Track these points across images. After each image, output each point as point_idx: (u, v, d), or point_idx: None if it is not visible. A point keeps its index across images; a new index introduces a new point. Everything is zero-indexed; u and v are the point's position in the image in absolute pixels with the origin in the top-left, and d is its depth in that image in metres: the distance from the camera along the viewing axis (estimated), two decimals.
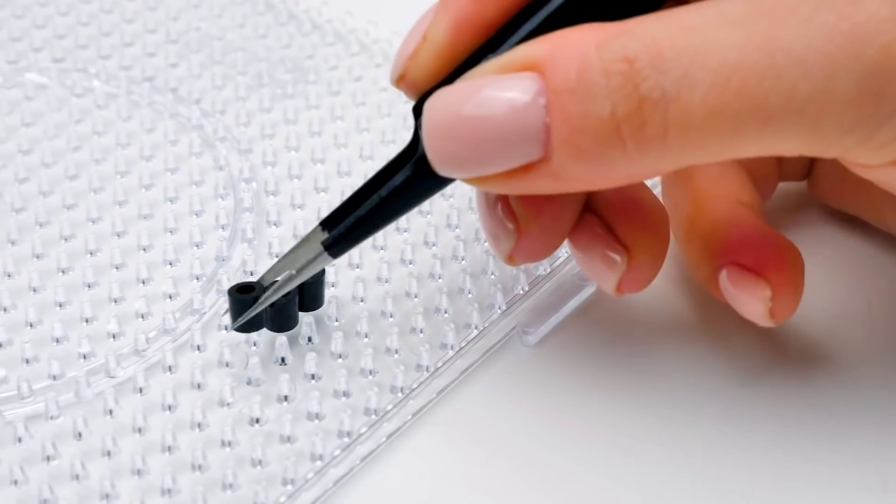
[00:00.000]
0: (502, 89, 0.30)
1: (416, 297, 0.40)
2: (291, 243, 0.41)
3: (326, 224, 0.35)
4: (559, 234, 0.36)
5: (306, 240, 0.35)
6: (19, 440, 0.35)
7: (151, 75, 0.49)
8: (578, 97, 0.29)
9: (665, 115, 0.28)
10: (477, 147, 0.30)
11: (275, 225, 0.42)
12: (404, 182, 0.33)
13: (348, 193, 0.42)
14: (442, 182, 0.33)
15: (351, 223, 0.34)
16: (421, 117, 0.32)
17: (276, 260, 0.39)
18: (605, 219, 0.36)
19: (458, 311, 0.39)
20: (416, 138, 0.33)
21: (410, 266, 0.41)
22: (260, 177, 0.44)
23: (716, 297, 0.37)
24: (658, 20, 0.29)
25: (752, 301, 0.35)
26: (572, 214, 0.35)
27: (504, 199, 0.35)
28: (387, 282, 0.40)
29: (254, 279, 0.39)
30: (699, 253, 0.37)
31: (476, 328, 0.39)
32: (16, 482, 0.34)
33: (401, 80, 0.34)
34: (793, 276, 0.36)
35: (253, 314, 0.36)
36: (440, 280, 0.40)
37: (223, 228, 0.42)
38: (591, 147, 0.29)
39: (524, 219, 0.35)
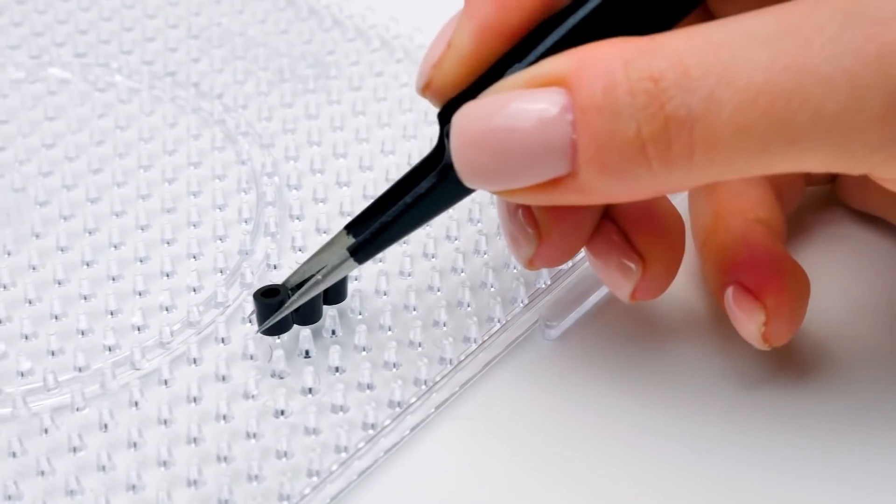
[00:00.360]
0: (530, 103, 0.30)
1: (438, 290, 0.40)
2: (314, 237, 0.41)
3: (352, 228, 0.35)
4: (579, 241, 0.36)
5: (331, 244, 0.36)
6: (46, 431, 0.35)
7: (173, 70, 0.49)
8: (604, 115, 0.29)
9: (691, 135, 0.29)
10: (505, 161, 0.30)
11: (297, 219, 0.43)
12: (429, 190, 0.34)
13: (370, 188, 0.43)
14: (467, 190, 0.33)
15: (376, 229, 0.35)
16: (446, 125, 0.32)
17: (300, 259, 0.40)
18: (622, 227, 0.36)
19: (481, 304, 0.39)
20: (441, 145, 0.33)
21: (433, 260, 0.41)
22: (282, 171, 0.44)
23: (723, 311, 0.37)
24: (684, 37, 0.29)
25: (747, 322, 0.36)
26: (592, 222, 0.36)
27: (525, 206, 0.35)
28: (410, 275, 0.40)
29: (277, 273, 0.40)
30: (711, 267, 0.38)
31: (499, 322, 0.39)
32: (42, 473, 0.34)
33: (426, 89, 0.34)
34: (790, 301, 0.36)
35: (279, 318, 0.36)
36: (463, 274, 0.40)
37: (246, 222, 0.42)
38: (618, 164, 0.29)
39: (545, 225, 0.35)
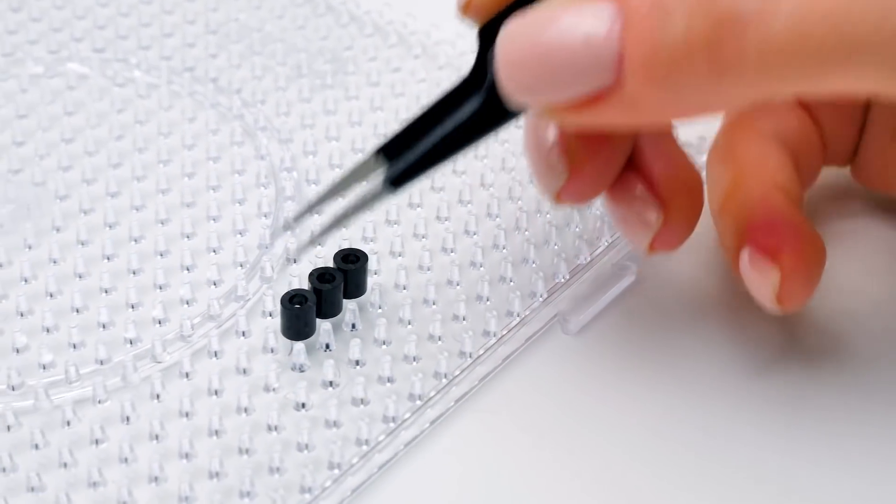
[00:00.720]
0: (578, 15, 0.29)
1: (458, 285, 0.40)
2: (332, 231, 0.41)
3: (384, 153, 0.33)
4: (608, 177, 0.35)
5: (361, 168, 0.34)
6: (68, 423, 0.36)
7: (192, 65, 0.49)
8: (653, 16, 0.28)
9: (743, 38, 0.27)
10: (552, 74, 0.30)
11: (317, 213, 0.42)
12: (475, 112, 0.32)
13: None
14: (511, 114, 0.32)
15: (416, 158, 0.33)
16: (487, 44, 0.32)
17: (320, 253, 0.40)
18: (644, 177, 0.36)
19: (500, 298, 0.40)
20: (481, 67, 0.32)
21: (452, 255, 0.41)
22: (301, 166, 0.45)
23: (737, 276, 0.37)
24: None
25: (761, 283, 0.36)
26: (622, 158, 0.35)
27: (560, 137, 0.35)
28: (429, 270, 0.41)
29: (297, 267, 0.40)
30: (728, 230, 0.38)
31: (518, 316, 0.39)
32: (65, 465, 0.35)
33: (467, 7, 0.33)
34: (806, 263, 0.36)
35: (303, 252, 0.35)
36: (482, 268, 0.41)
37: (265, 216, 0.42)
38: (665, 70, 0.28)
39: (577, 157, 0.34)
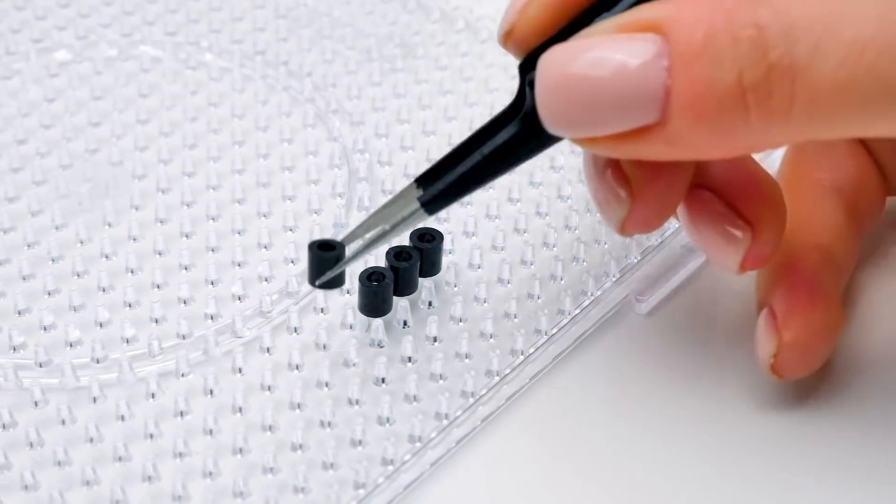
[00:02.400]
0: (622, 49, 0.29)
1: (531, 264, 0.41)
2: None
3: (422, 181, 0.34)
4: (673, 202, 0.35)
5: (399, 196, 0.34)
6: (152, 396, 0.36)
7: (262, 49, 0.50)
8: (704, 61, 0.28)
9: (793, 86, 0.28)
10: (593, 106, 0.29)
11: (390, 194, 0.43)
12: (510, 139, 0.33)
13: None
14: (548, 140, 0.32)
15: (452, 180, 0.33)
16: (527, 75, 0.32)
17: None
18: (721, 194, 0.35)
19: (573, 279, 0.40)
20: (521, 96, 0.32)
21: (525, 235, 0.42)
22: (373, 148, 0.45)
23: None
24: None
25: (761, 348, 0.36)
26: (686, 180, 0.35)
27: (615, 164, 0.34)
28: (503, 249, 0.41)
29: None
30: (759, 285, 0.38)
31: (591, 295, 0.39)
32: (151, 436, 0.35)
33: (508, 37, 0.33)
34: (810, 338, 0.36)
35: (339, 271, 0.35)
36: (554, 248, 0.41)
37: (340, 196, 0.43)
38: (714, 113, 0.28)
39: (637, 184, 0.34)
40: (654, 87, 0.29)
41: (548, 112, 0.30)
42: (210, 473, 0.34)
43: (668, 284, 0.40)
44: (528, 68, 0.32)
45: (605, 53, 0.29)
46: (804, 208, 0.38)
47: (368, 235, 0.34)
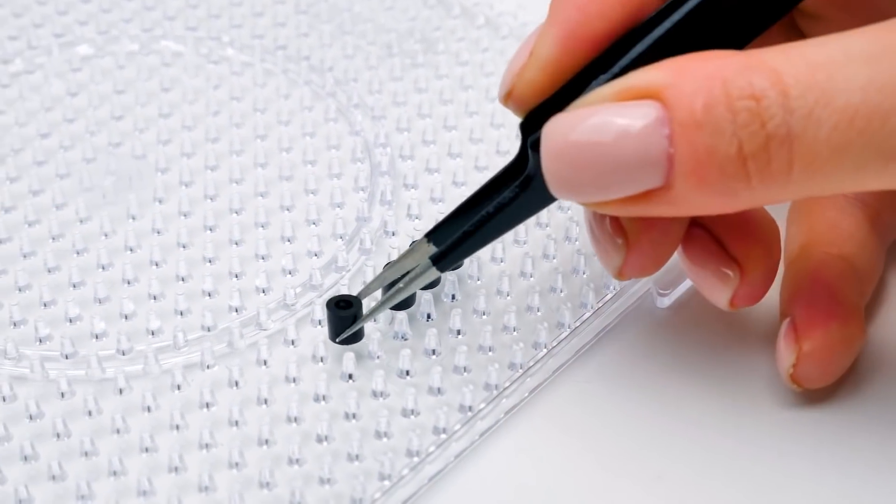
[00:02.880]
0: (625, 116, 0.30)
1: (554, 258, 0.41)
2: (428, 206, 0.42)
3: (432, 236, 0.36)
4: (669, 248, 0.36)
5: (412, 251, 0.36)
6: (178, 388, 0.37)
7: (284, 44, 0.50)
8: (705, 132, 0.29)
9: (790, 152, 0.29)
10: (598, 171, 0.30)
11: (413, 188, 0.43)
12: (511, 200, 0.34)
13: (482, 159, 0.44)
14: (549, 199, 0.33)
15: (457, 239, 0.35)
16: (529, 135, 0.33)
17: (416, 226, 0.41)
18: (716, 234, 0.36)
19: (595, 272, 0.40)
20: (523, 155, 0.34)
21: (547, 229, 0.42)
22: (394, 142, 0.45)
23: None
24: (781, 55, 0.29)
25: (781, 358, 0.36)
26: (681, 229, 0.36)
27: (613, 216, 0.35)
28: (525, 243, 0.41)
29: (395, 240, 0.41)
30: (783, 293, 0.38)
31: (613, 289, 0.40)
32: (177, 427, 0.35)
33: (508, 98, 0.34)
34: (830, 348, 0.36)
35: (358, 327, 0.37)
36: (577, 242, 0.41)
37: (362, 190, 0.43)
38: (716, 180, 0.30)
39: (633, 234, 0.35)
40: (657, 152, 0.30)
41: (554, 178, 0.31)
42: (236, 464, 0.34)
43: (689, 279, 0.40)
44: (528, 129, 0.33)
45: (607, 123, 0.30)
46: (828, 219, 0.39)
47: (388, 293, 0.36)
